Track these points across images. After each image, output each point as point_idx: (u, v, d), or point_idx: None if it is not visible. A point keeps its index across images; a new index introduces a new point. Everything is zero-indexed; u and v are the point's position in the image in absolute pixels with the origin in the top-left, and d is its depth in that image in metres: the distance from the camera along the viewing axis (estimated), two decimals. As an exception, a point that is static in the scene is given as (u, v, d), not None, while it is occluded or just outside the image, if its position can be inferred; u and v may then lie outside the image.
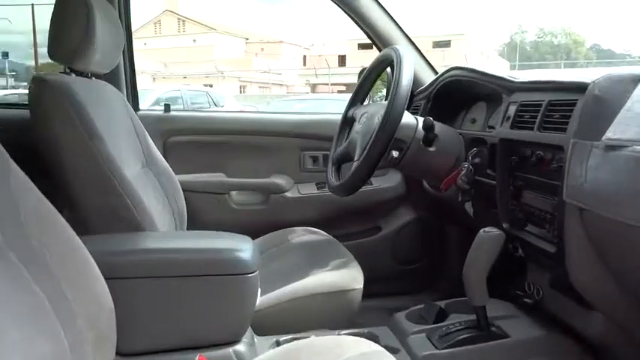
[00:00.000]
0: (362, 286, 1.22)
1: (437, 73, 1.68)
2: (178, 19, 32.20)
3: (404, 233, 1.82)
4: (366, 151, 1.21)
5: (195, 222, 1.64)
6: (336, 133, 1.50)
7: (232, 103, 9.66)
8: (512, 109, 1.14)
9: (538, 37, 45.71)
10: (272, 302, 1.15)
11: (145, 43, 31.91)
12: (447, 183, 1.28)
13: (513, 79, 1.20)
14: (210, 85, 17.66)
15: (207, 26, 31.62)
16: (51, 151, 1.08)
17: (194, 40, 31.03)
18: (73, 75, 1.21)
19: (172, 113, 1.81)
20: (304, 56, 34.56)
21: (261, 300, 1.12)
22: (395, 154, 1.27)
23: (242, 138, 1.81)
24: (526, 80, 1.16)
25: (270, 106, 10.25)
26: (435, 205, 1.68)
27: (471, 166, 1.24)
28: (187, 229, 1.49)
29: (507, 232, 1.14)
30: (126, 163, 1.20)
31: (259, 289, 0.98)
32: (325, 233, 1.54)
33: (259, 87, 26.01)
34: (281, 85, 26.66)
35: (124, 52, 1.68)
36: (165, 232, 1.15)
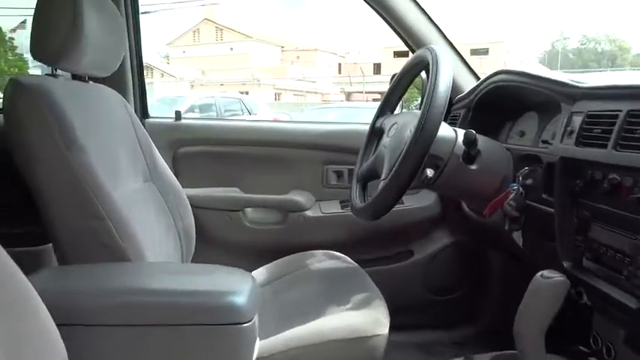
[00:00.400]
0: (387, 331, 1.03)
1: (479, 78, 1.51)
2: (216, 27, 32.78)
3: (439, 259, 1.64)
4: (394, 169, 1.02)
5: (205, 242, 1.51)
6: (362, 145, 1.33)
7: (266, 110, 9.62)
8: (577, 121, 0.93)
9: (581, 44, 44.40)
10: (276, 349, 0.96)
11: (184, 51, 32.73)
12: (491, 208, 1.08)
13: (578, 84, 0.98)
14: (247, 93, 17.89)
15: (244, 34, 32.10)
16: (25, 160, 0.95)
17: (231, 49, 31.56)
18: (62, 78, 1.07)
19: (183, 121, 1.68)
20: (339, 64, 34.58)
21: (263, 345, 0.95)
22: (429, 172, 1.09)
23: (259, 149, 1.67)
24: (596, 85, 0.94)
25: (304, 114, 10.22)
26: (475, 229, 1.48)
27: (521, 189, 1.04)
28: (196, 250, 1.35)
29: (569, 273, 0.93)
30: (121, 178, 1.06)
31: (258, 338, 0.80)
32: (349, 259, 1.37)
33: (294, 95, 26.21)
34: (315, 92, 26.77)
35: (131, 54, 1.57)
36: (147, 265, 0.97)
